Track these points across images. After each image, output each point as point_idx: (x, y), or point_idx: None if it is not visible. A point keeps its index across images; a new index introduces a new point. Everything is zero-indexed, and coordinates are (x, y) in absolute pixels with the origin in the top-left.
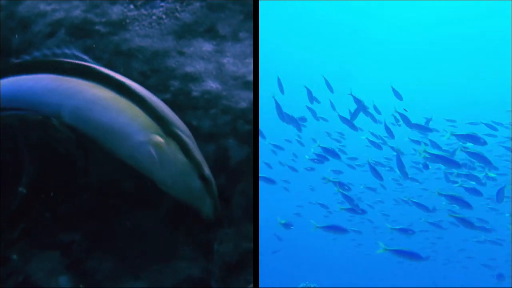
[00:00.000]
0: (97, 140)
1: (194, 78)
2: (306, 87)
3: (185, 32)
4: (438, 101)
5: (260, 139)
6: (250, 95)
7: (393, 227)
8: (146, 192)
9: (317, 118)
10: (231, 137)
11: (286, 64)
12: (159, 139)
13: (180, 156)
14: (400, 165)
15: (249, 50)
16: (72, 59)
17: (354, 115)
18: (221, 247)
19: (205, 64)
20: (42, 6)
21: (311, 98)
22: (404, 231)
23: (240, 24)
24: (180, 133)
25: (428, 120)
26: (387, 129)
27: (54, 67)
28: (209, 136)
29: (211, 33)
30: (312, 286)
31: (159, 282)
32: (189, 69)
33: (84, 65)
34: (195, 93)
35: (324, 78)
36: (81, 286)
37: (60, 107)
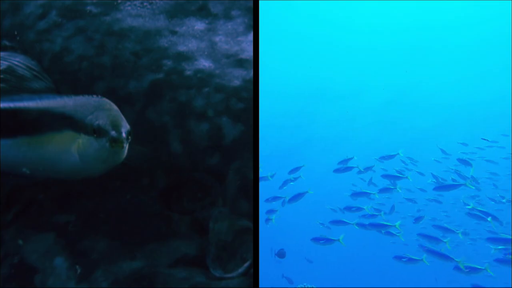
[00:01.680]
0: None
1: (186, 57)
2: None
3: (177, 11)
4: (438, 102)
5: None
6: (243, 73)
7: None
8: (140, 172)
9: None
10: (224, 115)
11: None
12: (78, 143)
13: (90, 139)
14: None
15: (242, 28)
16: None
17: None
18: (216, 225)
19: (198, 43)
20: None
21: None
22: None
23: (232, 2)
24: (81, 122)
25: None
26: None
27: (24, 122)
28: (202, 115)
29: (203, 12)
30: (310, 286)
31: (155, 261)
32: (181, 48)
33: (46, 116)
34: (188, 72)
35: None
36: (77, 266)
37: (33, 173)
